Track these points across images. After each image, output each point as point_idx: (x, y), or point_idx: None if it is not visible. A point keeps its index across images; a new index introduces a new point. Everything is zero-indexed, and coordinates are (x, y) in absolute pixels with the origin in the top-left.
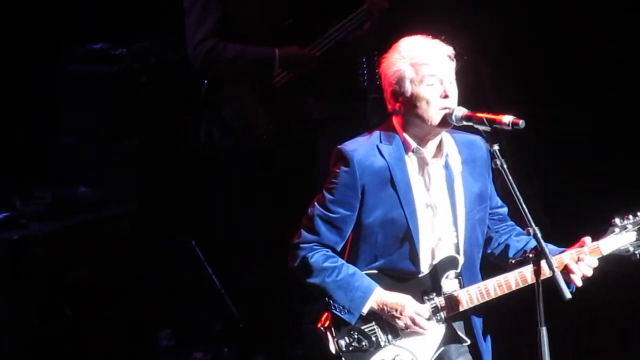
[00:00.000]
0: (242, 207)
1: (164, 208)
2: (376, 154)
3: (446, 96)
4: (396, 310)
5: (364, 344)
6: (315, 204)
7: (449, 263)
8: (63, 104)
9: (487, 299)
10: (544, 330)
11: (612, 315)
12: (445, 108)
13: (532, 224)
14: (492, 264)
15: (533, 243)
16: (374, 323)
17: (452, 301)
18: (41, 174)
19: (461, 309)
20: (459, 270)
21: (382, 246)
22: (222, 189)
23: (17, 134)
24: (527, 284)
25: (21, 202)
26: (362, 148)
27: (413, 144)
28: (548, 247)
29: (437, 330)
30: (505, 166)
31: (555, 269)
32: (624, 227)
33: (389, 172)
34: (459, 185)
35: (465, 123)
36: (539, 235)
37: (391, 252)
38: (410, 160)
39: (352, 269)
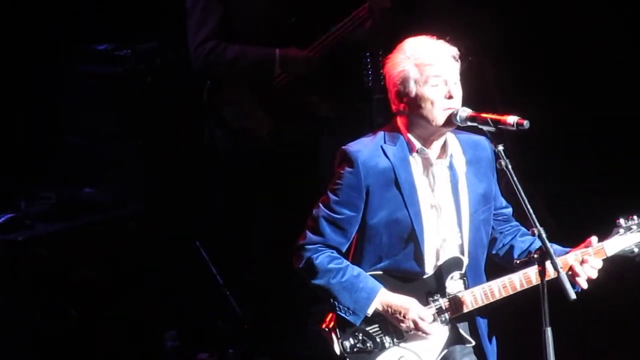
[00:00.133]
0: (246, 208)
1: (168, 209)
2: (380, 154)
3: (450, 97)
4: (400, 313)
5: (368, 345)
6: (320, 205)
7: (454, 264)
8: (68, 105)
9: (491, 300)
10: (549, 331)
11: (617, 316)
12: (449, 109)
13: (537, 224)
14: (497, 264)
15: (538, 244)
16: (378, 324)
17: (456, 302)
18: (46, 174)
19: (466, 310)
20: (463, 271)
21: (387, 247)
22: (226, 190)
23: (22, 134)
24: (531, 285)
25: (26, 203)
26: (367, 149)
27: (417, 145)
28: (553, 248)
29: (441, 332)
30: (509, 167)
31: (560, 270)
32: (629, 228)
33: (394, 173)
34: (463, 186)
35: (469, 123)
36: (544, 235)
37: (396, 253)
38: (415, 161)
39: (356, 270)
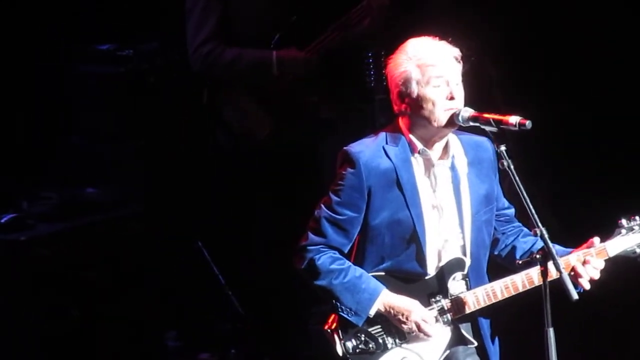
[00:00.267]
0: (248, 208)
1: (170, 209)
2: (382, 155)
3: (452, 97)
4: (402, 315)
5: (371, 346)
6: (322, 206)
7: (456, 265)
8: (70, 104)
9: (494, 300)
10: (551, 331)
11: (619, 317)
12: (451, 109)
13: (539, 225)
14: (499, 265)
15: (540, 244)
16: (380, 325)
17: (458, 303)
18: (48, 174)
19: (468, 311)
20: (465, 272)
21: (389, 248)
22: (227, 190)
23: (24, 134)
24: (534, 286)
25: (28, 203)
26: (368, 150)
27: (419, 145)
28: (555, 248)
29: (444, 333)
30: (512, 167)
31: (563, 271)
32: (631, 229)
33: (395, 174)
34: (465, 187)
35: (472, 124)
36: (546, 236)
37: (398, 254)
38: (417, 162)
39: (359, 271)
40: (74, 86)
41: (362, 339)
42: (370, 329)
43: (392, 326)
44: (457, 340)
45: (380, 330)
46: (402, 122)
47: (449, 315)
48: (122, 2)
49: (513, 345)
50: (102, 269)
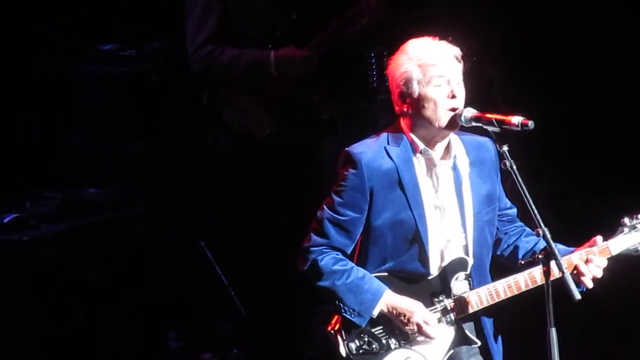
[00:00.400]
0: (248, 209)
1: (172, 209)
2: (384, 155)
3: (454, 97)
4: (404, 316)
5: (374, 346)
6: (324, 207)
7: (458, 265)
8: (72, 104)
9: (496, 300)
10: (553, 331)
11: (622, 316)
12: (452, 109)
13: (542, 224)
14: (502, 265)
15: (542, 244)
16: (383, 326)
17: (461, 303)
18: (51, 174)
19: (471, 311)
20: (468, 272)
21: (392, 248)
22: (227, 190)
23: (26, 134)
24: (536, 285)
25: (31, 203)
26: (370, 150)
27: (421, 146)
28: (557, 248)
29: (447, 333)
30: (514, 167)
31: (565, 270)
32: (633, 227)
33: (397, 174)
34: (467, 187)
35: (474, 124)
36: (548, 236)
37: (400, 254)
38: (418, 162)
39: (361, 272)
40: (78, 86)
41: (366, 339)
42: (373, 330)
43: (395, 327)
44: (461, 340)
45: (383, 330)
46: (403, 123)
47: (452, 315)
48: (125, 2)
49: (516, 344)
50: (105, 269)
